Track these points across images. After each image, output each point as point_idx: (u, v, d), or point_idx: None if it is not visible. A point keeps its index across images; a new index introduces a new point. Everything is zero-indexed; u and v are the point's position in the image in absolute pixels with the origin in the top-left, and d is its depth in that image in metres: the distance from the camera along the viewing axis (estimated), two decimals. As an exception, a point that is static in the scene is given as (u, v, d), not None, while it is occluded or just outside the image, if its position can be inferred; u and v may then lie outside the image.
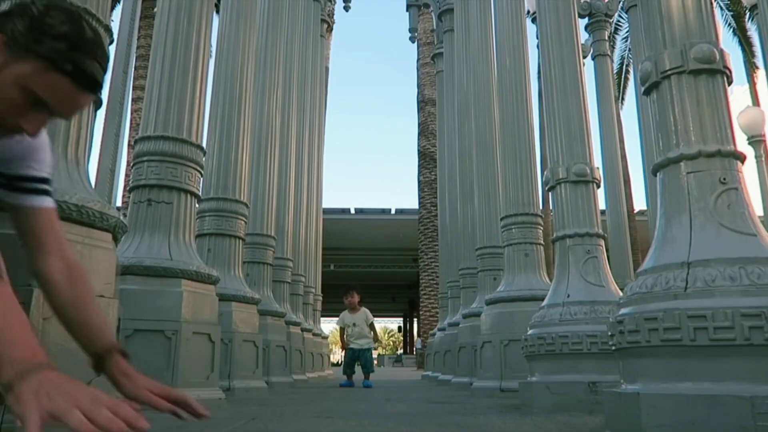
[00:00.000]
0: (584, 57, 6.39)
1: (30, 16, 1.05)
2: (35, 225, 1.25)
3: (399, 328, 51.51)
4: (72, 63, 1.05)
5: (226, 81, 4.80)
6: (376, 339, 6.88)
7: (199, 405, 1.11)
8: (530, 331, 3.41)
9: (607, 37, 8.27)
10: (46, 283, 1.25)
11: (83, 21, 1.10)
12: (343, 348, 6.70)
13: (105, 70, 1.13)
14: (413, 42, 12.50)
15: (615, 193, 7.73)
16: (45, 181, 1.28)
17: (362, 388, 6.07)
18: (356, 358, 6.50)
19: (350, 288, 6.77)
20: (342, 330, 6.67)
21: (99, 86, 1.14)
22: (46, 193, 1.28)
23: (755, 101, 12.43)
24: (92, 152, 2.09)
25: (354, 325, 6.60)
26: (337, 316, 6.89)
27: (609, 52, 8.36)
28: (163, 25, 3.58)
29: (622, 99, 17.01)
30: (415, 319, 35.38)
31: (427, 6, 10.75)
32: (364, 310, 6.70)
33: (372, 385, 6.25)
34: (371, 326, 6.70)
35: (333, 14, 12.70)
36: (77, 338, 1.24)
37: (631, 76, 13.12)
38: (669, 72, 2.15)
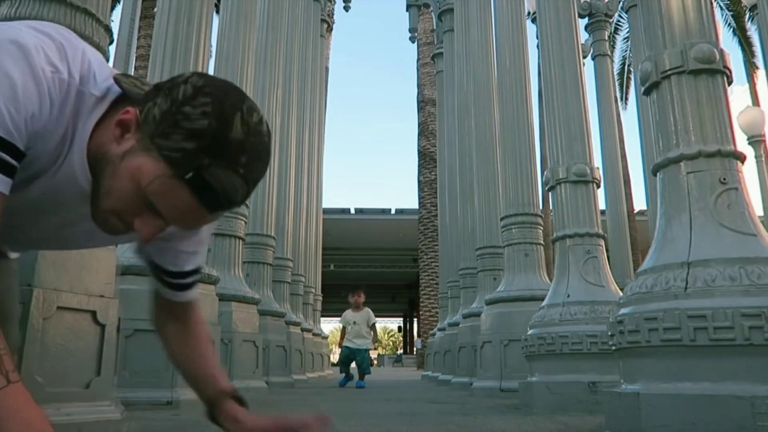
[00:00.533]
0: (584, 57, 6.40)
1: (173, 99, 0.82)
2: (175, 308, 1.20)
3: (399, 328, 51.53)
4: (195, 171, 0.80)
5: (226, 81, 4.80)
6: (375, 340, 6.83)
7: (323, 421, 1.01)
8: (530, 331, 3.41)
9: (607, 37, 8.27)
10: (161, 335, 1.23)
11: (238, 114, 0.82)
12: (339, 346, 6.68)
13: (250, 183, 0.84)
14: (413, 42, 12.50)
15: (615, 193, 7.74)
16: (199, 269, 1.19)
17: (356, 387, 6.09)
18: (352, 356, 6.45)
19: (357, 287, 6.81)
20: (344, 329, 6.67)
21: (230, 205, 0.85)
22: (198, 280, 1.21)
23: (755, 101, 12.43)
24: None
25: (354, 323, 6.57)
26: (338, 316, 6.96)
27: (609, 52, 8.37)
28: (163, 25, 3.58)
29: (625, 99, 17.02)
30: (415, 319, 35.38)
31: (427, 6, 10.74)
32: (367, 311, 6.67)
33: (365, 386, 6.19)
34: (372, 327, 6.67)
35: (333, 14, 12.70)
36: (192, 386, 1.21)
37: (633, 76, 13.13)
38: (669, 72, 2.15)
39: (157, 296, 1.20)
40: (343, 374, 6.52)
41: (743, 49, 15.02)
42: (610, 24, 8.57)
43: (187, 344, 1.22)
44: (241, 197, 0.84)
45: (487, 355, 4.63)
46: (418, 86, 18.66)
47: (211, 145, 0.80)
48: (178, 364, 1.23)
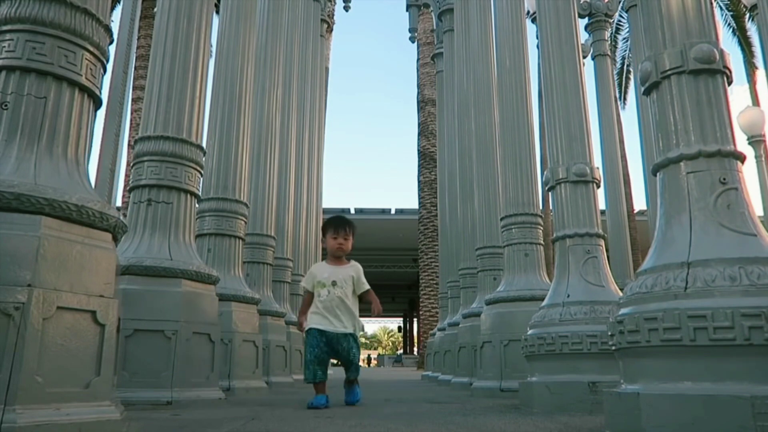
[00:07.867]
0: (584, 57, 6.40)
1: None
2: None
3: (399, 328, 51.53)
4: None
5: (226, 81, 4.81)
6: (377, 310, 3.49)
7: None
8: (530, 331, 3.40)
9: (607, 37, 8.28)
10: None
11: None
12: (300, 328, 3.51)
13: None
14: (413, 42, 12.49)
15: (615, 193, 7.73)
16: None
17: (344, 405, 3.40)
18: (330, 350, 3.36)
19: (342, 222, 3.61)
20: (309, 295, 3.47)
21: None
22: None
23: (755, 101, 12.43)
24: (92, 152, 2.08)
25: (334, 284, 3.41)
26: None
27: (609, 52, 8.37)
28: (163, 25, 3.58)
29: (624, 99, 17.04)
30: (415, 319, 35.38)
31: (427, 6, 10.74)
32: (355, 265, 3.61)
33: (360, 398, 3.53)
34: (364, 296, 3.52)
35: (333, 14, 12.70)
36: None
37: (632, 76, 13.12)
38: (669, 72, 2.15)
39: None
40: (315, 384, 3.31)
41: (743, 49, 15.04)
42: (611, 24, 8.57)
43: None
44: None
45: (487, 355, 4.63)
46: (418, 86, 18.67)
47: None
48: None
